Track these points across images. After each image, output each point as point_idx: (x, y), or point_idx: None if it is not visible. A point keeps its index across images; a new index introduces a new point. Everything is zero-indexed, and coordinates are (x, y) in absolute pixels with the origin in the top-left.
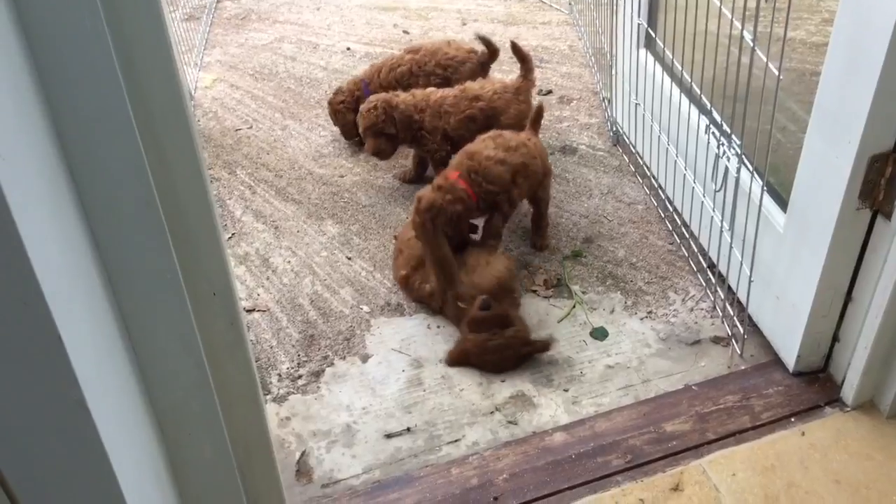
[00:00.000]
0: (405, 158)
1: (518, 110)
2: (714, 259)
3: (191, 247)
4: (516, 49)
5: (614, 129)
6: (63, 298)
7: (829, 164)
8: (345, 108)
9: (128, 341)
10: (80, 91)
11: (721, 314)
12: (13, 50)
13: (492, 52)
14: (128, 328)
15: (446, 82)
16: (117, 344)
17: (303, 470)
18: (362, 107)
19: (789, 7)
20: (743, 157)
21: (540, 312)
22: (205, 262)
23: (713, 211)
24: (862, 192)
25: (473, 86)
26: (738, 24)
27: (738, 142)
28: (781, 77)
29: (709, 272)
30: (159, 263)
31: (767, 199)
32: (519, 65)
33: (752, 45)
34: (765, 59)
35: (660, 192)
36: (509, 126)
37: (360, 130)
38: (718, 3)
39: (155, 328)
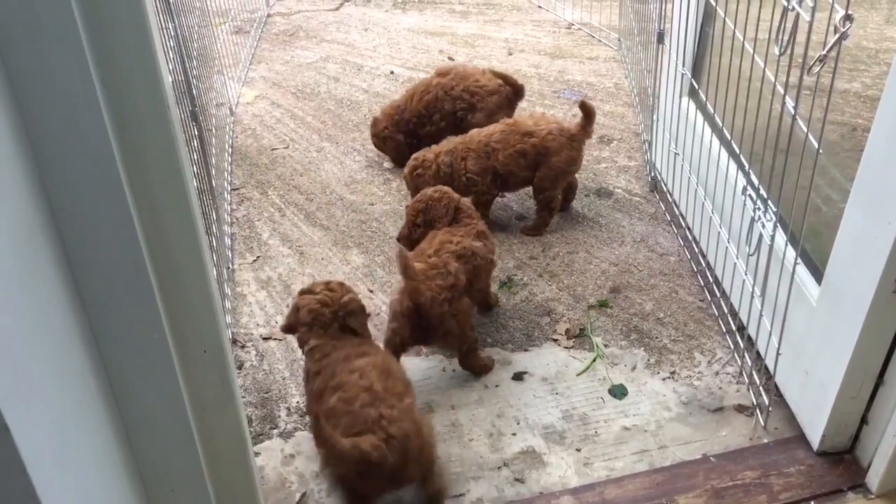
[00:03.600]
0: None
1: (570, 156)
2: (744, 323)
3: (183, 305)
4: (585, 106)
5: (653, 174)
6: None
7: (867, 242)
8: (389, 133)
9: (111, 399)
10: (67, 147)
11: (747, 381)
12: None
13: (515, 89)
14: (112, 385)
15: (470, 109)
16: (96, 404)
17: None
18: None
19: (831, 91)
20: (777, 224)
21: (559, 363)
22: (197, 321)
23: (745, 274)
24: None
25: (526, 121)
26: (780, 89)
27: (774, 209)
28: (821, 152)
29: (738, 335)
30: (146, 323)
31: (802, 269)
32: (581, 115)
33: (793, 112)
34: (805, 130)
35: (694, 245)
36: (558, 169)
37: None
38: (763, 65)
39: (139, 385)
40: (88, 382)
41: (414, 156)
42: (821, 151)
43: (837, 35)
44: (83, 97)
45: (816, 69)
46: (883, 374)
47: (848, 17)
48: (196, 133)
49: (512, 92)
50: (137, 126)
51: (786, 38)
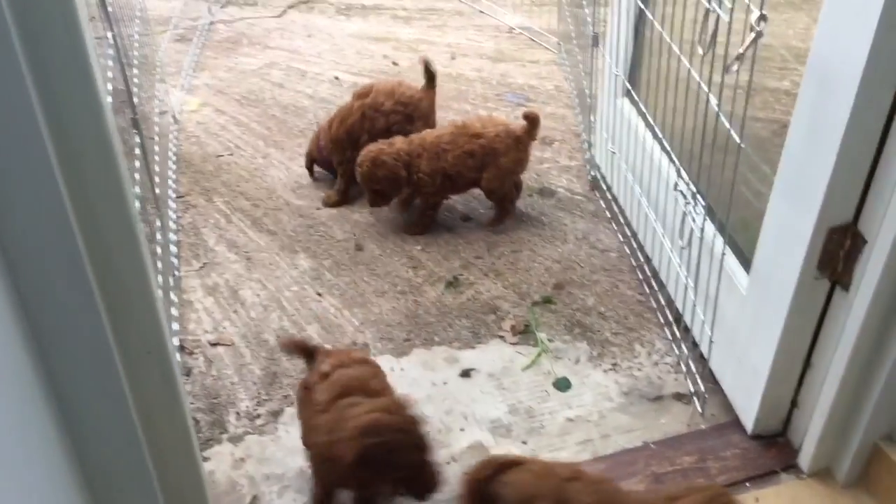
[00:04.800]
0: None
1: (517, 157)
2: (680, 313)
3: (124, 307)
4: (528, 116)
5: (593, 173)
6: None
7: (790, 231)
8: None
9: (54, 401)
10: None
11: (684, 370)
12: None
13: (429, 76)
14: (54, 386)
15: (407, 120)
16: (39, 404)
17: None
18: (358, 159)
19: (749, 87)
20: (706, 218)
21: (505, 359)
22: (138, 322)
23: (679, 267)
24: (821, 263)
25: (475, 123)
26: (705, 87)
27: (703, 203)
28: (743, 146)
29: (675, 326)
30: (87, 324)
31: (733, 260)
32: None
33: (716, 109)
34: (728, 126)
35: (633, 240)
36: (506, 169)
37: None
38: (688, 66)
39: (82, 384)
40: (30, 381)
41: (367, 148)
42: (743, 146)
43: (753, 34)
44: (18, 103)
45: (735, 67)
46: (810, 358)
47: (762, 18)
48: (138, 141)
49: (427, 80)
50: (75, 133)
51: (707, 38)
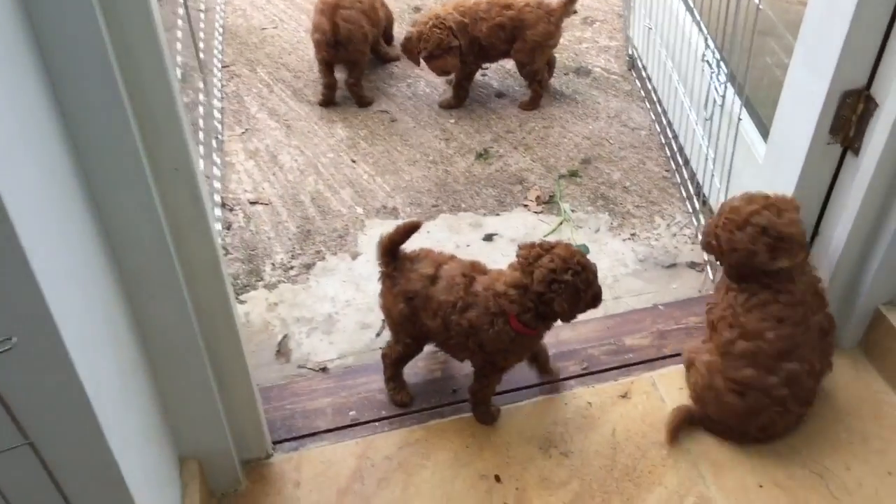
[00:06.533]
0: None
1: (546, 30)
2: (700, 184)
3: (153, 125)
4: None
5: (630, 52)
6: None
7: (805, 96)
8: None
9: (94, 208)
10: None
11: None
12: None
13: None
14: (93, 193)
15: None
16: (79, 206)
17: (283, 350)
18: (416, 29)
19: None
20: (727, 84)
21: (528, 226)
22: (166, 140)
23: (702, 139)
24: (833, 127)
25: None
26: None
27: (727, 70)
28: (761, 7)
29: (695, 199)
30: (120, 137)
31: (753, 130)
32: None
33: None
34: None
35: (663, 118)
36: (534, 42)
37: (424, 55)
38: None
39: (118, 194)
40: (71, 184)
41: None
42: (761, 7)
43: None
44: None
45: None
46: (818, 226)
47: None
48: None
49: None
50: None
51: None
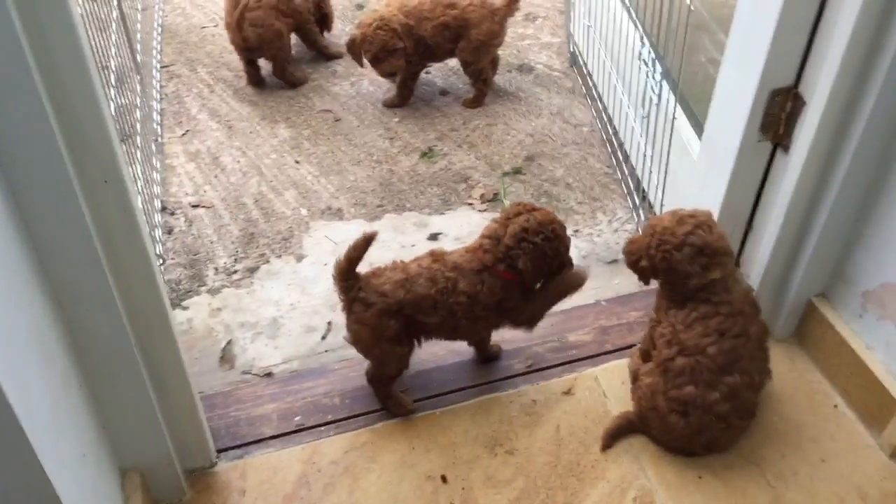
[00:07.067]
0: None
1: (490, 29)
2: (640, 180)
3: (80, 135)
4: None
5: (572, 49)
6: None
7: (736, 94)
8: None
9: (20, 220)
10: None
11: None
12: None
13: None
14: (19, 209)
15: None
16: (6, 223)
17: (227, 357)
18: (360, 31)
19: None
20: (662, 81)
21: (472, 224)
22: (94, 151)
23: (640, 136)
24: (763, 125)
25: None
26: None
27: (662, 69)
28: (693, 8)
29: (635, 195)
30: (45, 148)
31: (688, 128)
32: None
33: None
34: None
35: (604, 114)
36: (478, 42)
37: (368, 57)
38: None
39: (45, 207)
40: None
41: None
42: (692, 8)
43: None
44: None
45: None
46: (752, 221)
47: None
48: (117, 14)
49: None
50: None
51: None
